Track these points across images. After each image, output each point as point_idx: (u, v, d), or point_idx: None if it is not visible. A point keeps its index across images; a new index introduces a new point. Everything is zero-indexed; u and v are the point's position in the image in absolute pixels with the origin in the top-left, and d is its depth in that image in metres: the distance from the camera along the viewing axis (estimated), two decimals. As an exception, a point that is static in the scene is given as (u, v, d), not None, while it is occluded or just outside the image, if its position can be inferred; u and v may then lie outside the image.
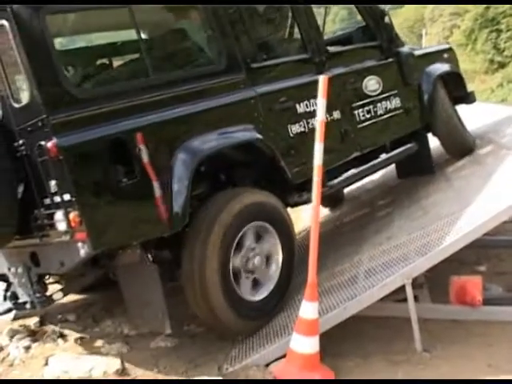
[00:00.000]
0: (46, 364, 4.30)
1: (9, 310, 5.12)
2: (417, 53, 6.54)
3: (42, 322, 5.04)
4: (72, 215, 3.53)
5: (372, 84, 5.78)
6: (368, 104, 5.66)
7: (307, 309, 3.60)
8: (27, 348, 4.60)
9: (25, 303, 4.38)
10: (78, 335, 4.78)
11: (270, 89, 4.76)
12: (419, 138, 6.36)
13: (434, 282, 4.69)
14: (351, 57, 5.73)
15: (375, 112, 5.72)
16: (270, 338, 4.02)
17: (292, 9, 5.32)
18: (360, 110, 5.56)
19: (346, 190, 7.97)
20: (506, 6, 22.97)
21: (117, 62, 4.79)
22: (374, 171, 6.02)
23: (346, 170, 5.40)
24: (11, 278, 4.47)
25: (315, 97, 4.17)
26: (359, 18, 6.24)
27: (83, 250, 3.62)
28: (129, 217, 3.74)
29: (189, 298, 4.17)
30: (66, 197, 3.57)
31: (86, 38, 4.47)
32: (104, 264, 4.30)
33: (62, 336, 4.78)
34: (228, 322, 4.14)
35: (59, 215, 3.63)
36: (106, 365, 4.11)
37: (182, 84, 4.23)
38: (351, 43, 6.06)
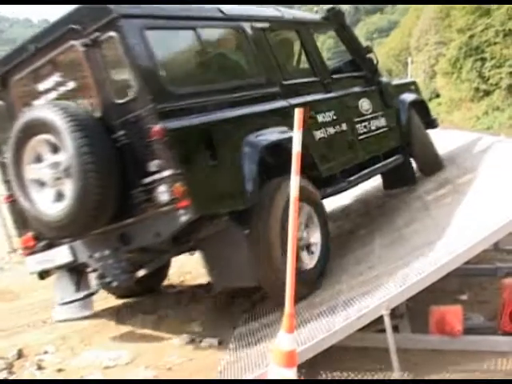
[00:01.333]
0: (23, 397, 4.26)
1: (86, 296, 5.47)
2: (392, 83, 8.00)
3: (19, 354, 4.98)
4: (176, 186, 4.30)
5: (365, 105, 7.08)
6: (364, 121, 6.94)
7: (284, 340, 3.57)
8: (4, 381, 4.56)
9: (110, 282, 4.94)
10: (57, 367, 4.74)
11: (297, 101, 5.83)
12: (403, 152, 7.55)
13: (415, 311, 4.69)
14: (347, 82, 6.99)
15: (370, 127, 7.00)
16: (249, 369, 3.98)
17: (303, 44, 6.61)
18: (359, 124, 6.82)
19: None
20: (490, 35, 23.23)
21: (199, 69, 5.62)
22: (375, 175, 7.15)
23: (355, 173, 6.53)
24: (93, 265, 5.00)
25: (327, 110, 6.24)
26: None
27: (184, 217, 4.33)
28: (218, 190, 4.69)
29: (255, 261, 4.90)
30: (169, 172, 4.34)
31: (176, 49, 5.42)
32: (184, 240, 4.82)
33: (40, 368, 4.75)
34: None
35: (162, 188, 4.37)
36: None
37: (242, 91, 5.36)
38: (344, 72, 7.23)
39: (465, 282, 5.44)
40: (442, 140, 8.76)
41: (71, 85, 4.92)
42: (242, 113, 5.18)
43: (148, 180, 4.45)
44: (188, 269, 7.44)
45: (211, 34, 5.58)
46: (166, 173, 4.34)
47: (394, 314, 4.21)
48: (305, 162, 5.10)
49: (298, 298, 4.80)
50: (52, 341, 5.26)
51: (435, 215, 5.67)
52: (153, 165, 4.40)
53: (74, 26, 4.68)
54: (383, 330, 3.99)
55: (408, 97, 7.97)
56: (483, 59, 24.24)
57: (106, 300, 6.42)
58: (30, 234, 5.31)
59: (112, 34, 4.50)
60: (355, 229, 7.11)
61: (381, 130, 7.21)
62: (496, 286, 5.11)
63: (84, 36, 4.62)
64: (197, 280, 6.89)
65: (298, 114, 3.68)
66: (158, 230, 4.49)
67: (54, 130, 4.45)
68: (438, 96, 32.22)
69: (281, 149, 5.23)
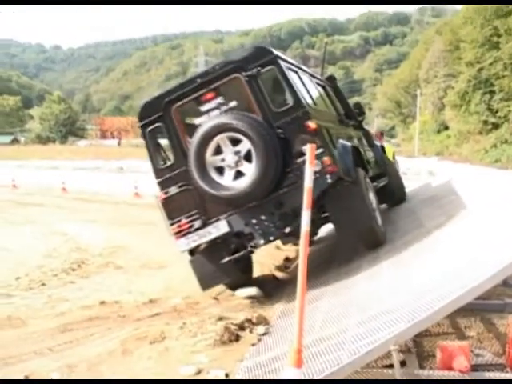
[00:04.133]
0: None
1: (241, 256, 7.11)
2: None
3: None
4: (326, 158, 6.56)
5: (363, 141, 9.97)
6: (367, 150, 9.69)
7: (292, 375, 3.57)
8: (10, 409, 4.53)
9: (269, 237, 6.97)
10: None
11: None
12: (386, 175, 10.41)
13: (423, 346, 4.66)
14: (351, 125, 9.72)
15: (370, 155, 9.85)
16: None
17: (328, 96, 9.39)
18: (366, 152, 9.50)
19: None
20: (499, 68, 23.32)
21: (309, 93, 7.89)
22: (382, 185, 9.69)
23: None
24: (247, 230, 6.93)
25: (352, 138, 8.74)
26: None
27: (330, 179, 6.61)
28: (342, 164, 6.86)
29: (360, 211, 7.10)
30: (320, 150, 6.41)
31: (295, 81, 7.34)
32: (314, 205, 5.78)
33: (46, 396, 4.71)
34: (378, 233, 7.33)
35: (315, 162, 6.01)
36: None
37: (327, 114, 8.27)
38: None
39: (474, 317, 5.41)
40: (453, 174, 9.97)
41: (232, 104, 6.93)
42: (331, 126, 7.65)
43: (301, 159, 6.45)
44: (196, 299, 7.48)
45: (303, 77, 7.96)
46: (318, 151, 6.25)
47: (402, 348, 4.17)
48: (364, 163, 8.15)
49: (379, 244, 7.30)
50: (58, 368, 5.22)
51: (443, 250, 5.65)
52: (306, 148, 5.58)
53: (238, 64, 6.86)
54: (391, 365, 3.98)
55: (377, 142, 11.41)
56: (492, 92, 24.42)
57: (111, 329, 6.41)
58: (184, 220, 6.97)
59: (272, 67, 6.85)
60: (363, 260, 7.10)
61: (373, 159, 10.11)
62: (505, 321, 5.08)
63: (246, 70, 6.80)
64: (204, 311, 6.88)
65: (309, 150, 3.71)
66: None
67: (237, 129, 6.54)
68: (446, 128, 32.26)
69: (357, 151, 7.82)
